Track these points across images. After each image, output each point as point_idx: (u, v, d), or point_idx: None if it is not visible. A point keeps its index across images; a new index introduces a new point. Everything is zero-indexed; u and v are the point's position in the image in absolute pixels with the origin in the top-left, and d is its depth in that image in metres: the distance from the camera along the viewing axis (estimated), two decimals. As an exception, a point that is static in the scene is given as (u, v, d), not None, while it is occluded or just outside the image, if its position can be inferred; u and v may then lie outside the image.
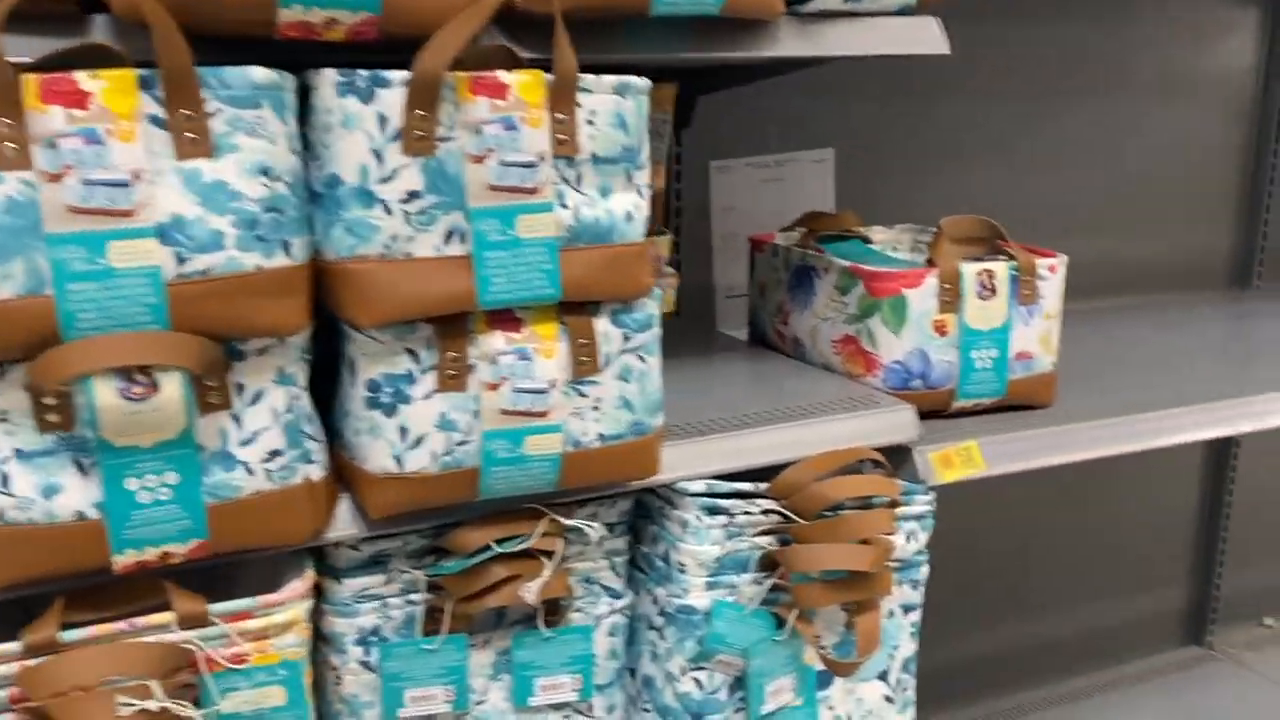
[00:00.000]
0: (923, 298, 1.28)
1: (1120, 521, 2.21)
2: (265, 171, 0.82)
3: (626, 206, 0.95)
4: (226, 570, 1.00)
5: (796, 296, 1.44)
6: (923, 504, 1.21)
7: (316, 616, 1.07)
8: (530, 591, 1.02)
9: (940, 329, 1.30)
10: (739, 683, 1.15)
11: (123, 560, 0.86)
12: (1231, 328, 1.90)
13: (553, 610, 1.11)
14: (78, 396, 0.81)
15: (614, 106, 0.92)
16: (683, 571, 1.12)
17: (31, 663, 0.82)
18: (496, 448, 0.94)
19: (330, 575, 1.04)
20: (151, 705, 0.82)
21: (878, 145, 1.84)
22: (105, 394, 0.80)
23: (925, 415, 1.33)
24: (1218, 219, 2.16)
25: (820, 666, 1.18)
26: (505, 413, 0.94)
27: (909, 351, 1.30)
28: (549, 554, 1.04)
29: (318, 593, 1.06)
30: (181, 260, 0.80)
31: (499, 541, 1.01)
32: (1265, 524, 2.38)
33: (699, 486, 1.10)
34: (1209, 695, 2.17)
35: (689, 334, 1.60)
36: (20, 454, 0.82)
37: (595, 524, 1.06)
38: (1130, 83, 2.00)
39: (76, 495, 0.83)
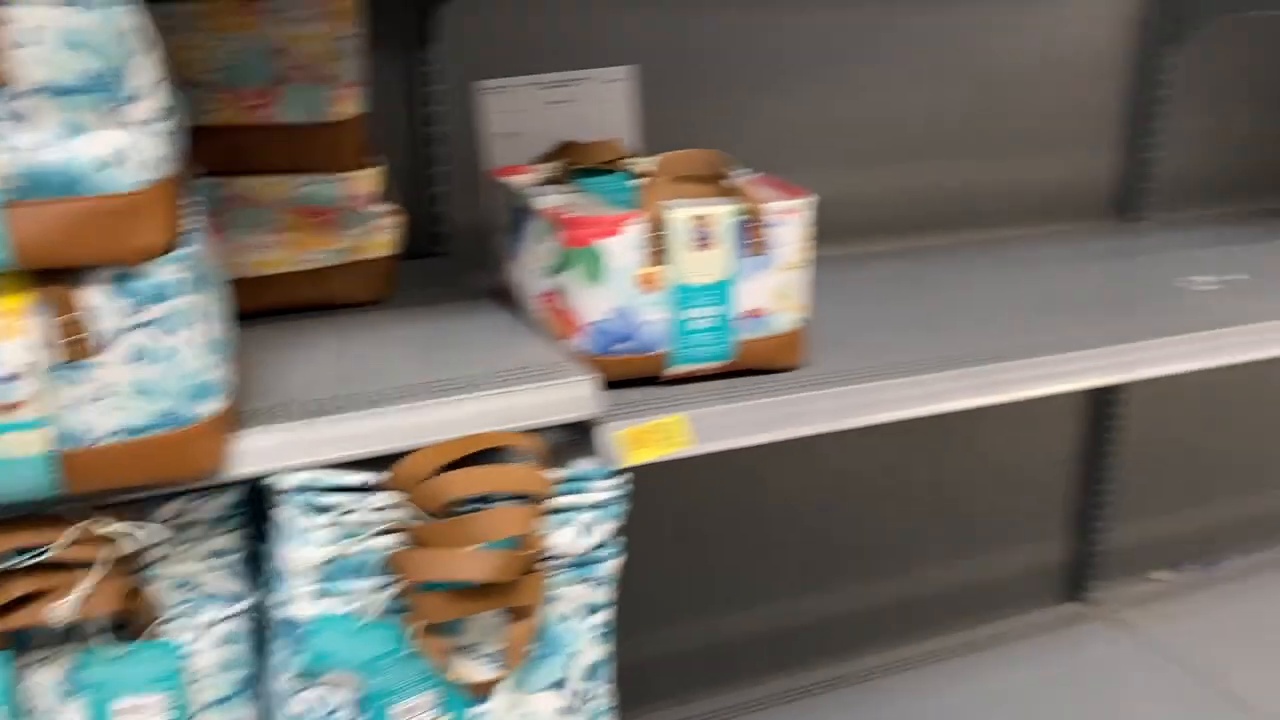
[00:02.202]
0: (623, 248, 1.09)
1: (992, 472, 2.03)
2: None
3: (103, 149, 0.76)
4: None
5: (515, 242, 1.25)
6: (604, 491, 1.03)
7: None
8: (58, 611, 0.86)
9: (648, 284, 1.11)
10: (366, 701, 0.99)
11: None
12: (1097, 268, 1.69)
13: (125, 624, 0.95)
14: None
15: (66, 22, 0.73)
16: (287, 578, 0.95)
17: None
18: (-42, 448, 0.77)
19: None
20: None
21: (689, 61, 1.62)
22: None
23: (638, 383, 1.16)
24: (1098, 142, 1.93)
25: (478, 678, 1.02)
26: (-38, 407, 0.76)
27: (610, 310, 1.11)
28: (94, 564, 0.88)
29: None
30: None
31: (14, 553, 0.85)
32: (1154, 473, 2.20)
33: (296, 480, 0.93)
34: (1081, 653, 2.02)
35: (426, 279, 1.42)
36: None
37: (144, 526, 0.89)
38: (990, -14, 1.76)
39: None
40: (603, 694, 1.10)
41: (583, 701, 1.08)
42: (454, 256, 1.55)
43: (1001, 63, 1.80)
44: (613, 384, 1.14)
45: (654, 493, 1.73)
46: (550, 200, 1.23)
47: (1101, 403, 2.07)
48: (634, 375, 1.14)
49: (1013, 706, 1.84)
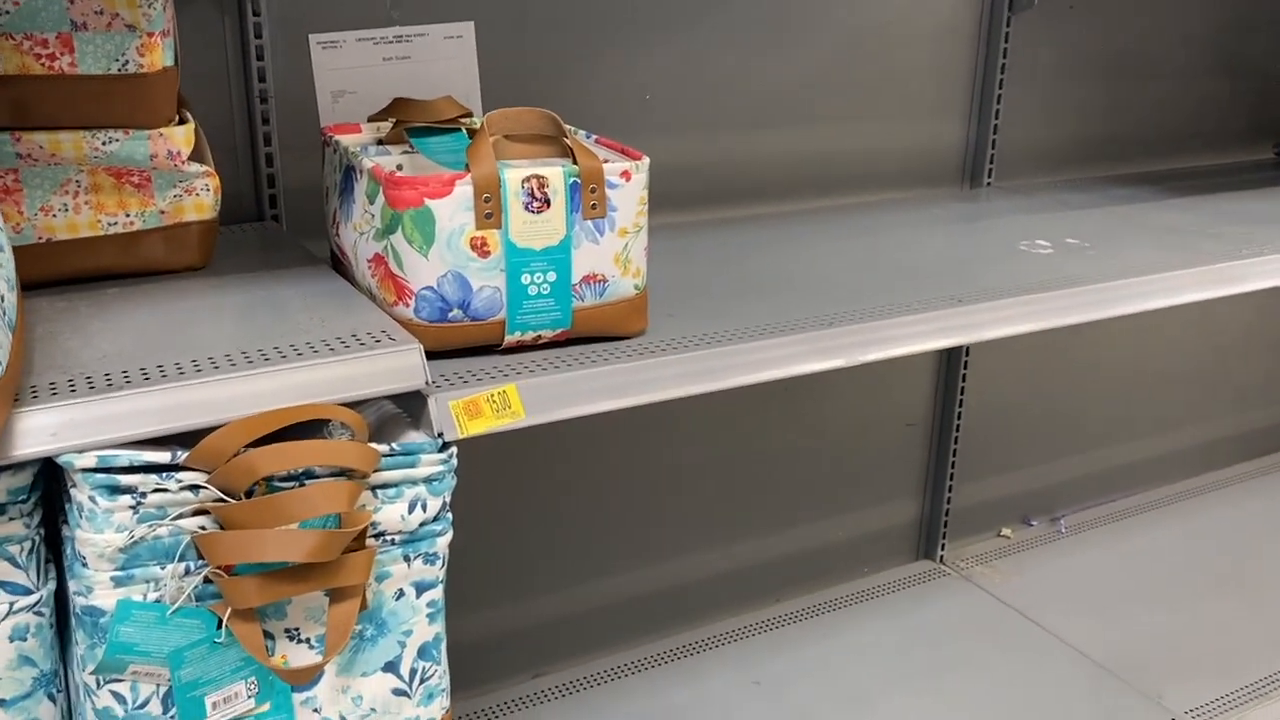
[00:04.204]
0: (453, 210, 1.04)
1: (845, 434, 2.05)
2: None
3: None
4: None
5: (344, 204, 1.18)
6: (433, 464, 0.99)
7: None
8: None
9: (480, 248, 1.06)
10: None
11: None
12: (944, 233, 1.71)
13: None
14: None
15: None
16: (85, 565, 0.88)
17: None
18: None
19: None
20: None
21: (530, 19, 1.56)
22: None
23: (476, 351, 1.11)
24: (946, 110, 1.95)
25: (300, 663, 0.97)
26: None
27: (442, 276, 1.06)
28: None
29: None
30: None
31: None
32: (1000, 432, 2.26)
33: (89, 460, 0.86)
34: (933, 609, 2.07)
35: (252, 244, 1.34)
36: None
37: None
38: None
39: None
40: (438, 674, 1.06)
41: (418, 682, 1.04)
42: (285, 220, 1.47)
43: (850, 29, 1.80)
44: (450, 353, 1.10)
45: (496, 463, 1.69)
46: (380, 160, 1.17)
47: (948, 364, 2.11)
48: (471, 344, 1.09)
49: (868, 662, 1.88)
